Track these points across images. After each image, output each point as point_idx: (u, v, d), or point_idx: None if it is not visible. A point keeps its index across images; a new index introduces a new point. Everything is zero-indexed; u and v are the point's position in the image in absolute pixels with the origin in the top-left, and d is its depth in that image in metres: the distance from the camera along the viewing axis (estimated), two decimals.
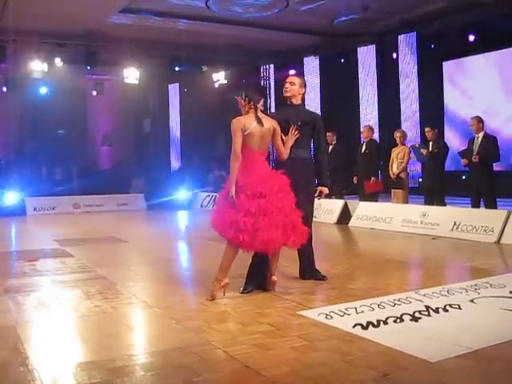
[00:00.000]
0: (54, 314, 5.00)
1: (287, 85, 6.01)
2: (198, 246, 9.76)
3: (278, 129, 5.56)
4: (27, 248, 9.40)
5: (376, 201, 11.88)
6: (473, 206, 10.07)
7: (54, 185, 18.46)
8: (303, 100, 6.16)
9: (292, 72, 18.66)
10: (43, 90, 18.88)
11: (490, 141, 10.02)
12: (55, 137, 20.80)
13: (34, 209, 16.47)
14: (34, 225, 13.98)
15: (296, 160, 5.78)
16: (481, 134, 10.05)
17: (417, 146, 11.54)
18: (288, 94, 6.02)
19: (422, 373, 3.41)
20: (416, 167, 14.04)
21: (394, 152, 11.51)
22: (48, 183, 18.49)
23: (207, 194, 18.01)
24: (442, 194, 10.95)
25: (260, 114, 5.42)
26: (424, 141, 11.61)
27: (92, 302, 5.37)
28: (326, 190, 6.18)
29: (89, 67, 16.84)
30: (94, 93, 20.46)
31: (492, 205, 9.78)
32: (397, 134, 11.61)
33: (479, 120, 10.14)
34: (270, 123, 5.47)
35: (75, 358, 3.81)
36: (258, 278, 5.61)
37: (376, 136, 15.08)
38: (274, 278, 5.55)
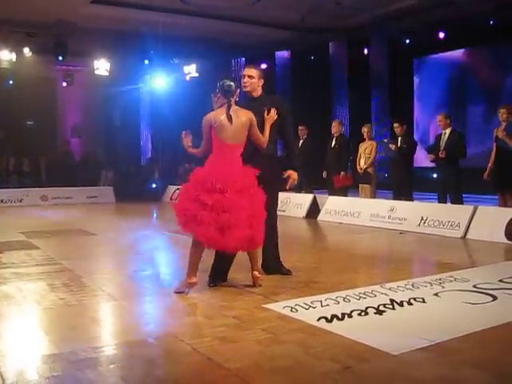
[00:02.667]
0: (17, 307, 4.93)
1: (246, 79, 5.75)
2: (165, 240, 9.73)
3: (255, 119, 5.39)
4: None
5: (345, 195, 11.93)
6: (439, 202, 10.18)
7: (21, 176, 18.22)
8: (263, 90, 5.91)
9: (263, 66, 18.69)
10: (11, 81, 18.60)
11: (457, 137, 10.12)
12: (24, 128, 20.50)
13: (1, 201, 16.23)
14: (0, 217, 13.77)
15: (261, 157, 5.56)
16: (448, 130, 10.14)
17: (385, 141, 11.62)
18: (248, 89, 5.76)
19: (383, 365, 3.44)
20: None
21: (362, 147, 11.57)
22: (16, 175, 18.23)
23: (177, 187, 17.92)
24: (409, 190, 11.04)
25: (233, 108, 5.30)
26: (393, 136, 11.69)
27: (56, 294, 5.32)
28: (294, 175, 5.91)
29: (60, 58, 16.61)
30: (64, 84, 20.22)
31: (458, 200, 9.89)
32: (364, 129, 11.67)
33: (446, 116, 10.25)
34: (245, 116, 5.32)
35: (37, 350, 3.78)
36: (223, 271, 5.60)
37: (347, 131, 15.19)
38: (256, 273, 5.47)
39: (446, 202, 10.09)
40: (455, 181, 9.99)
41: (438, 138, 10.29)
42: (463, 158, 10.02)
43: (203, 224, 5.03)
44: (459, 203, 9.80)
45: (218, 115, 5.29)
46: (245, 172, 5.30)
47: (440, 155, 9.97)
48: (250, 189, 5.26)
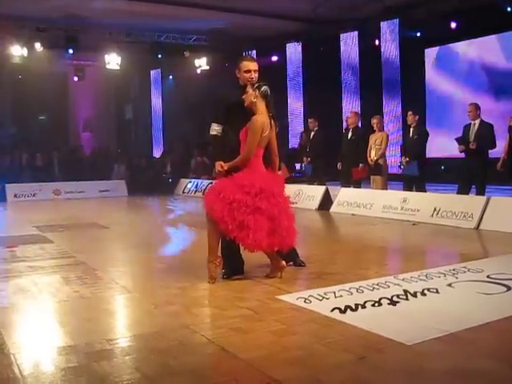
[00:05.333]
0: (32, 300, 4.97)
1: (253, 74, 5.61)
2: (178, 232, 9.77)
3: (273, 124, 5.51)
4: (6, 234, 9.32)
5: (359, 187, 11.85)
6: (459, 193, 9.99)
7: (34, 171, 18.31)
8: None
9: (274, 58, 18.68)
10: (23, 76, 18.69)
11: (487, 128, 9.82)
12: (36, 123, 20.62)
13: (15, 195, 16.32)
14: (14, 211, 13.87)
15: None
16: (477, 121, 9.86)
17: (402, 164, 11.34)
18: (253, 82, 5.61)
19: (398, 355, 3.44)
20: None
21: (372, 138, 11.44)
22: (29, 169, 18.32)
23: (189, 180, 17.98)
24: (421, 181, 10.92)
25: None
26: (404, 126, 11.56)
27: (71, 287, 5.35)
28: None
29: (71, 51, 16.69)
30: (76, 78, 20.31)
31: (483, 191, 9.70)
32: (374, 121, 11.53)
33: (477, 107, 9.94)
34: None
35: (53, 342, 3.81)
36: (234, 261, 5.59)
37: (359, 122, 15.11)
38: (283, 263, 5.50)
39: (467, 193, 9.90)
40: (483, 172, 9.78)
41: (467, 128, 9.99)
42: (493, 148, 9.81)
43: (258, 230, 5.11)
44: (482, 194, 9.61)
45: (266, 123, 5.32)
46: (275, 176, 5.46)
47: (471, 146, 9.69)
48: (282, 193, 5.43)
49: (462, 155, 10.06)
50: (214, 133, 5.73)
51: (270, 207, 5.19)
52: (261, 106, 5.33)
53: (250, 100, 5.34)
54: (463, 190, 9.93)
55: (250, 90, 5.37)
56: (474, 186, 9.87)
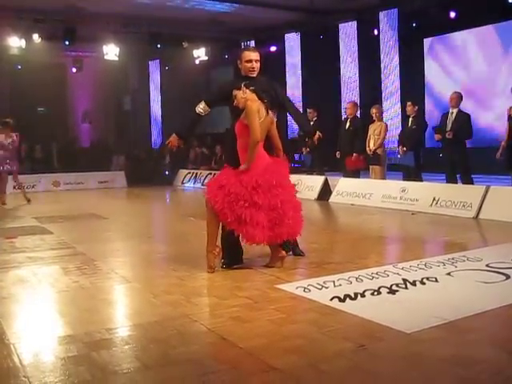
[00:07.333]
0: (32, 290, 4.98)
1: (255, 64, 5.66)
2: (178, 223, 9.76)
3: (274, 120, 5.50)
4: (6, 226, 9.33)
5: (358, 177, 11.84)
6: (447, 182, 10.06)
7: (33, 163, 18.29)
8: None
9: (273, 48, 18.60)
10: (21, 67, 18.63)
11: (464, 117, 9.93)
12: (35, 114, 20.57)
13: (14, 187, 16.26)
14: (13, 203, 13.83)
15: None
16: (455, 110, 9.97)
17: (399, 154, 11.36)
18: (255, 74, 5.70)
19: (397, 343, 3.45)
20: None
21: (371, 128, 11.42)
22: (28, 161, 18.30)
23: (188, 171, 17.97)
24: (418, 171, 10.93)
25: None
26: (403, 116, 11.54)
27: (70, 277, 5.36)
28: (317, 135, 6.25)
29: (67, 42, 16.61)
30: (74, 70, 20.27)
31: (468, 180, 9.79)
32: (373, 111, 11.52)
33: (460, 96, 10.09)
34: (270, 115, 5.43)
35: (52, 332, 3.82)
36: (233, 251, 5.59)
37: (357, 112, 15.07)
38: (283, 252, 5.52)
39: (455, 182, 9.98)
40: (463, 160, 9.88)
41: (445, 117, 10.12)
42: (469, 139, 9.89)
43: (254, 225, 5.14)
44: (470, 183, 9.71)
45: (260, 110, 5.28)
46: (277, 167, 5.43)
47: (447, 136, 9.81)
48: (285, 182, 5.44)
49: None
50: (199, 110, 5.83)
51: (269, 199, 5.19)
52: (252, 96, 5.30)
53: (240, 97, 5.31)
54: (451, 180, 10.03)
55: (235, 92, 5.34)
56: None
